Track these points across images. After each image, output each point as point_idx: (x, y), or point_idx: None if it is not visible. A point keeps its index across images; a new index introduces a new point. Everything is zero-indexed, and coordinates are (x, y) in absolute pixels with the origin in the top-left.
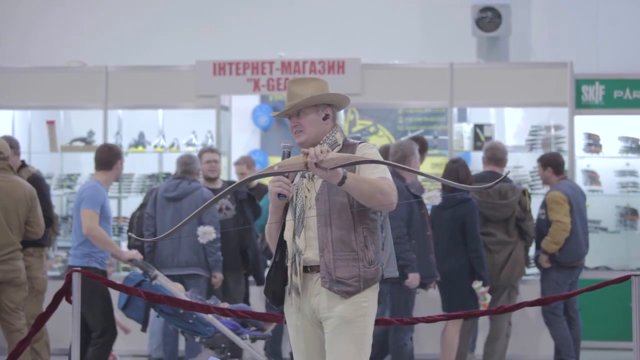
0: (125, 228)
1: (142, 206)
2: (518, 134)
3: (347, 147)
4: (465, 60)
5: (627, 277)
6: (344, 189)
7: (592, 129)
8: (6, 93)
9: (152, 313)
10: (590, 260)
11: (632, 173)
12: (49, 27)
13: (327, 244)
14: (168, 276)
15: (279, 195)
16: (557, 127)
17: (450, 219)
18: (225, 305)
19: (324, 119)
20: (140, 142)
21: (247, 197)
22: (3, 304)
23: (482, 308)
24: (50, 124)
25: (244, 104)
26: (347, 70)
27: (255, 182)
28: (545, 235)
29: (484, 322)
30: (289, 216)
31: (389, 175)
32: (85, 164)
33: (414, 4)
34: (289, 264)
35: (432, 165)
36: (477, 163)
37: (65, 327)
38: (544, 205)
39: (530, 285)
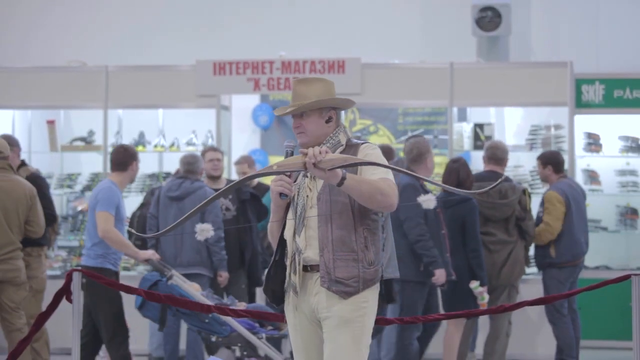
0: (126, 227)
1: (143, 206)
2: (518, 134)
3: (351, 147)
4: (465, 59)
5: (627, 277)
6: (344, 190)
7: (592, 128)
8: (6, 93)
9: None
10: (590, 260)
11: (632, 172)
12: (49, 27)
13: (327, 243)
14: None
15: (281, 194)
16: (557, 127)
17: (451, 219)
18: (243, 305)
19: (327, 121)
20: (140, 141)
21: (251, 198)
22: (3, 304)
23: (480, 308)
24: (51, 123)
25: (244, 104)
26: (347, 70)
27: (256, 181)
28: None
29: (484, 322)
30: (290, 215)
31: (390, 176)
32: (85, 164)
33: (414, 4)
34: (288, 262)
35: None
36: (477, 162)
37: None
38: (542, 204)
39: (530, 284)
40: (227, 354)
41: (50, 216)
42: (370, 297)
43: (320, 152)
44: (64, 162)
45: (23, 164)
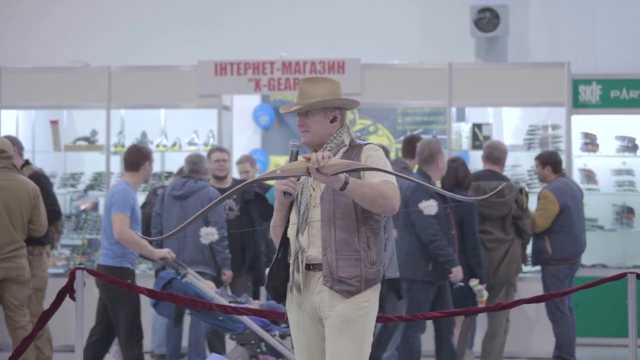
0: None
1: (145, 205)
2: (516, 133)
3: (354, 147)
4: (463, 60)
5: (623, 275)
6: (346, 194)
7: (589, 128)
8: (10, 93)
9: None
10: (586, 258)
11: (629, 172)
12: (49, 27)
13: (330, 243)
14: (158, 274)
15: (285, 193)
16: (555, 127)
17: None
18: (257, 303)
19: (332, 121)
20: (142, 141)
21: (256, 198)
22: (7, 301)
23: (479, 305)
24: (54, 123)
25: (245, 104)
26: (347, 70)
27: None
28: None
29: (482, 319)
30: (294, 213)
31: (392, 179)
32: (88, 163)
33: (413, 5)
34: (291, 261)
35: None
36: (475, 162)
37: (68, 324)
38: (538, 200)
39: (528, 282)
40: (240, 351)
41: (55, 212)
42: (371, 297)
43: (323, 157)
44: (67, 161)
45: (27, 163)
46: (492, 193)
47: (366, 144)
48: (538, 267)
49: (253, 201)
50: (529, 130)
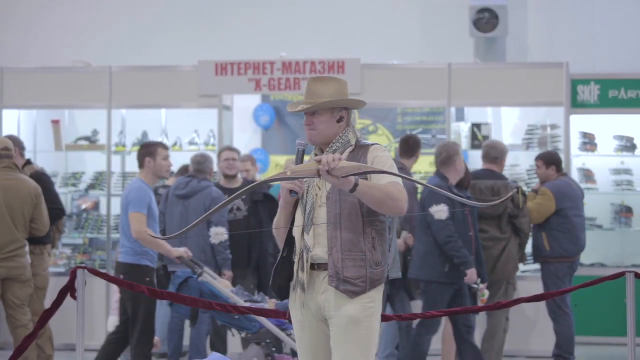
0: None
1: None
2: (515, 133)
3: (360, 148)
4: (463, 60)
5: (622, 274)
6: (356, 195)
7: (587, 128)
8: (12, 93)
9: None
10: (585, 257)
11: (627, 171)
12: (49, 27)
13: (336, 243)
14: (175, 273)
15: (291, 191)
16: (554, 127)
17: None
18: (273, 302)
19: (339, 121)
20: (143, 141)
21: (264, 199)
22: (9, 300)
23: (480, 304)
24: (56, 123)
25: (245, 104)
26: (347, 70)
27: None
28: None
29: (481, 318)
30: (299, 212)
31: (399, 180)
32: (89, 163)
33: (413, 5)
34: (296, 260)
35: (430, 164)
36: (474, 162)
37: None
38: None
39: (527, 281)
40: (256, 350)
41: (58, 211)
42: (376, 298)
43: (334, 160)
44: (68, 161)
45: (28, 162)
46: (505, 199)
47: (373, 145)
48: (537, 267)
49: (262, 202)
50: (528, 130)
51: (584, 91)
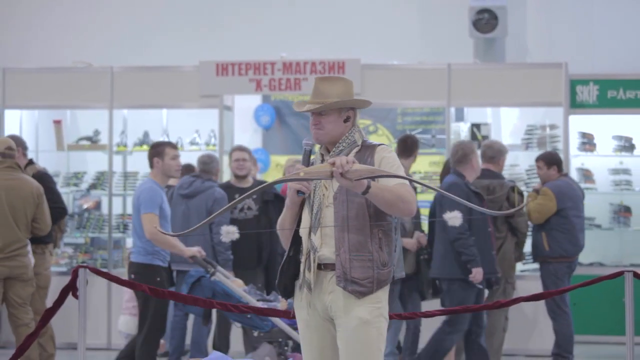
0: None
1: None
2: (514, 133)
3: (367, 148)
4: (462, 60)
5: (621, 273)
6: (367, 197)
7: (586, 128)
8: (14, 93)
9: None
10: (584, 257)
11: (626, 171)
12: (50, 27)
13: (344, 243)
14: (176, 272)
15: (298, 191)
16: (552, 127)
17: None
18: (285, 302)
19: (345, 120)
20: (144, 141)
21: (275, 199)
22: (11, 299)
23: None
24: (57, 123)
25: (246, 104)
26: (347, 70)
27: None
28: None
29: None
30: (306, 212)
31: (407, 181)
32: (91, 163)
33: (412, 6)
34: (302, 259)
35: (430, 163)
36: None
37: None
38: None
39: (526, 280)
40: (268, 349)
41: (60, 210)
42: (382, 298)
43: (347, 162)
44: (70, 161)
45: (30, 162)
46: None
47: (379, 145)
48: (536, 266)
49: (272, 202)
50: (527, 130)
51: (582, 91)
